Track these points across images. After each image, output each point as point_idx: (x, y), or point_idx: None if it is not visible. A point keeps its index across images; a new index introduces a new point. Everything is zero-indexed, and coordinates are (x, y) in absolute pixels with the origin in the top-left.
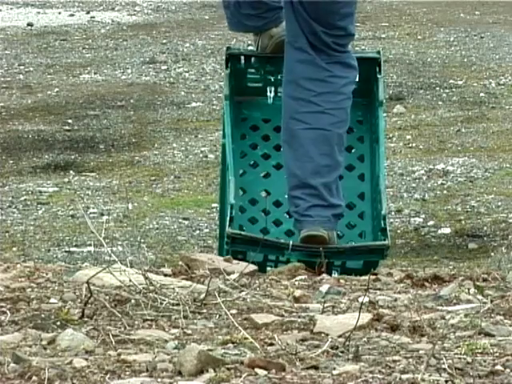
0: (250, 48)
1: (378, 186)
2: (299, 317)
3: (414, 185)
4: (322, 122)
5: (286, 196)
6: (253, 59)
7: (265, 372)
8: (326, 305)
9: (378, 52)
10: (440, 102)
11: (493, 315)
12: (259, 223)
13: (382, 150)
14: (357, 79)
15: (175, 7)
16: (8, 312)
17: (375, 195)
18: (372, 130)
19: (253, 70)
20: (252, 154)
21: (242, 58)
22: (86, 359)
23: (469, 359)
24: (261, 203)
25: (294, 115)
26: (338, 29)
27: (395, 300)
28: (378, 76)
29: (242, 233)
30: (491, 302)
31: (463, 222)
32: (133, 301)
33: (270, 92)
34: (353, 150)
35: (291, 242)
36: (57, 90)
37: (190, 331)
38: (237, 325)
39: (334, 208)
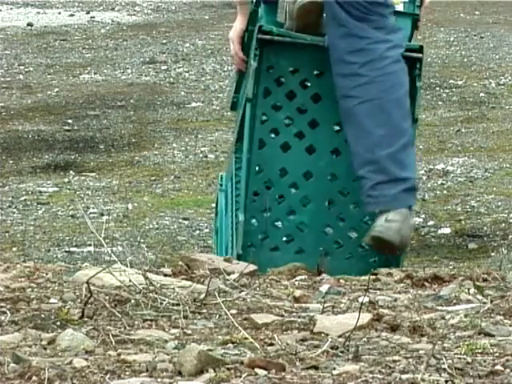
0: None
1: None
2: (299, 317)
3: None
4: (371, 92)
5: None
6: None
7: (265, 372)
8: (326, 305)
9: (421, 48)
10: (440, 102)
11: (493, 315)
12: (272, 213)
13: None
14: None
15: (175, 7)
16: (8, 312)
17: None
18: None
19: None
20: (273, 118)
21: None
22: (86, 359)
23: (469, 359)
24: (276, 186)
25: (346, 92)
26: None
27: (395, 300)
28: (417, 84)
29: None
30: (491, 302)
31: (463, 221)
32: (133, 301)
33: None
34: None
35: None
36: (57, 90)
37: (189, 331)
38: (237, 325)
39: (402, 182)
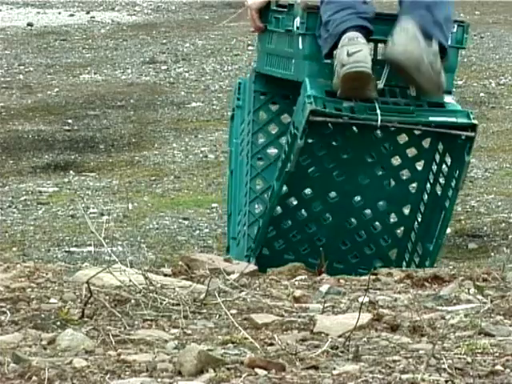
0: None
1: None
2: (299, 317)
3: None
4: None
5: None
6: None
7: (265, 372)
8: (326, 305)
9: (474, 126)
10: None
11: (493, 315)
12: (293, 224)
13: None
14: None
15: (175, 7)
16: (8, 312)
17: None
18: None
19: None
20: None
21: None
22: (86, 359)
23: (469, 359)
24: (299, 201)
25: None
26: None
27: (395, 300)
28: (466, 158)
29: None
30: (491, 302)
31: (463, 221)
32: (133, 301)
33: None
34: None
35: None
36: (57, 90)
37: (190, 331)
38: (237, 325)
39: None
